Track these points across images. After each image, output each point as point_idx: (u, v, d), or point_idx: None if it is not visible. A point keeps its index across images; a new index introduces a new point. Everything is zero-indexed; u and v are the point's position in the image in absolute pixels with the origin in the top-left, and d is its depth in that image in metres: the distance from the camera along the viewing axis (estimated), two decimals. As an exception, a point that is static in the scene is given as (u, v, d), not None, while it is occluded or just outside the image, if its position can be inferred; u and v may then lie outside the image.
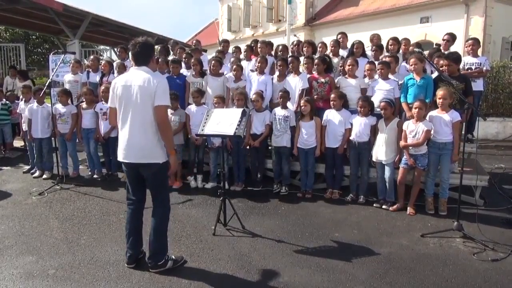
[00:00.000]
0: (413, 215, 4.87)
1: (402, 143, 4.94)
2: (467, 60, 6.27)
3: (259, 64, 6.20)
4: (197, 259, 3.74)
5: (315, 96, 5.89)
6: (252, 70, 6.68)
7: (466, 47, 6.47)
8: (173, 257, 3.60)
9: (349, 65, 5.73)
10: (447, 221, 4.57)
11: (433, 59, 5.64)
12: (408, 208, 4.96)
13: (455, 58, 5.23)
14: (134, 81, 3.27)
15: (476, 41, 6.48)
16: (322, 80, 5.88)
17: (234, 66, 6.34)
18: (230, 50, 8.00)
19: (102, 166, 6.74)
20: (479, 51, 6.66)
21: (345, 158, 5.53)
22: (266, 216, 4.92)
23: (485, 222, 4.53)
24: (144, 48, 3.33)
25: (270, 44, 7.54)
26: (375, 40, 6.95)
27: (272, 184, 5.90)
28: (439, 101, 4.75)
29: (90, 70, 7.54)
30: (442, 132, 4.77)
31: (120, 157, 3.42)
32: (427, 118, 4.87)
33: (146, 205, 3.66)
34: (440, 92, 4.74)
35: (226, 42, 8.18)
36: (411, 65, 5.17)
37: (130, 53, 3.46)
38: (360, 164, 5.38)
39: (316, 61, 5.97)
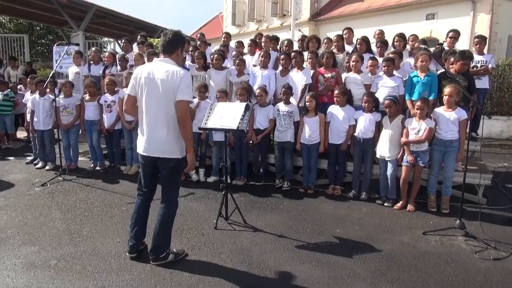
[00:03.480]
0: (413, 212, 4.86)
1: (403, 139, 4.92)
2: (472, 58, 6.23)
3: (262, 59, 6.17)
4: (198, 253, 3.74)
5: (322, 90, 5.86)
6: (254, 65, 6.66)
7: (475, 44, 6.45)
8: (175, 250, 3.61)
9: (353, 61, 5.69)
10: (449, 219, 4.56)
11: (444, 56, 5.59)
12: (408, 204, 4.95)
13: (470, 56, 5.21)
14: (157, 73, 3.22)
15: (483, 38, 6.44)
16: (328, 74, 5.85)
17: (237, 61, 6.31)
18: (232, 44, 7.95)
19: (105, 158, 6.76)
20: (485, 49, 6.62)
21: (348, 155, 5.52)
22: (268, 210, 4.92)
23: (487, 221, 4.51)
24: (176, 36, 3.30)
25: (274, 39, 7.49)
26: (379, 35, 6.91)
27: (274, 179, 5.89)
28: (445, 98, 4.72)
29: (92, 62, 7.53)
30: (448, 129, 4.74)
31: (140, 150, 3.41)
32: (432, 115, 4.85)
33: (154, 197, 3.66)
34: (447, 89, 4.71)
35: (227, 35, 8.12)
36: (421, 62, 5.12)
37: (160, 43, 3.41)
38: (363, 160, 5.36)
39: (326, 55, 5.91)
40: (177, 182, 3.59)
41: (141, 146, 3.39)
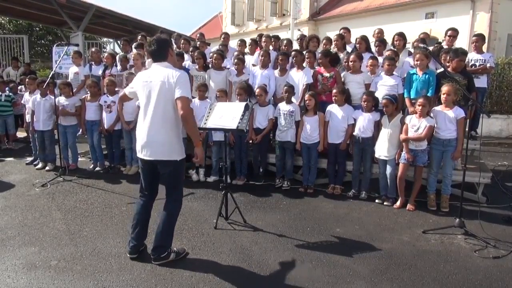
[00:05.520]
0: (412, 211, 4.87)
1: (402, 136, 4.91)
2: (471, 57, 6.24)
3: (262, 58, 6.17)
4: (199, 252, 3.75)
5: (320, 89, 5.86)
6: (254, 65, 6.66)
7: (472, 43, 6.44)
8: (176, 249, 3.62)
9: (351, 61, 5.70)
10: (449, 218, 4.57)
11: (441, 55, 5.59)
12: (408, 204, 4.96)
13: (463, 52, 5.24)
14: (156, 77, 3.28)
15: (481, 37, 6.42)
16: (327, 74, 5.85)
17: (236, 60, 6.31)
18: (234, 44, 7.96)
19: (105, 158, 6.76)
20: (484, 48, 6.61)
21: (348, 154, 5.52)
22: (268, 210, 4.92)
23: (487, 220, 4.51)
24: (160, 44, 3.34)
25: (275, 38, 7.49)
26: (378, 35, 6.90)
27: (274, 179, 5.90)
28: (443, 97, 4.73)
29: (93, 63, 7.54)
30: (446, 128, 4.75)
31: (139, 154, 3.45)
32: (431, 114, 4.85)
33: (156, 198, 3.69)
34: (444, 88, 4.71)
35: (226, 35, 8.13)
36: (417, 61, 5.14)
37: (147, 52, 3.50)
38: (363, 160, 5.36)
39: (319, 55, 5.92)
40: (180, 183, 3.60)
41: (140, 150, 3.42)
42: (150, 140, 3.33)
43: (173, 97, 3.21)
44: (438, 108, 4.86)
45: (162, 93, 3.24)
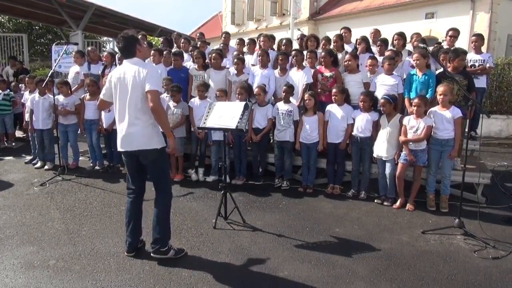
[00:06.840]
0: (412, 211, 4.86)
1: (402, 138, 4.91)
2: (470, 57, 6.23)
3: (261, 58, 6.15)
4: (197, 252, 3.74)
5: (318, 90, 5.85)
6: (253, 65, 6.64)
7: (471, 43, 6.43)
8: (176, 248, 3.63)
9: (347, 60, 5.69)
10: (448, 218, 4.56)
11: (440, 55, 5.59)
12: (408, 204, 4.95)
13: (463, 51, 5.24)
14: (127, 72, 3.37)
15: (480, 37, 6.40)
16: (327, 74, 5.83)
17: (235, 60, 6.29)
18: (234, 44, 7.94)
19: (104, 157, 6.75)
20: (483, 48, 6.60)
21: (347, 154, 5.51)
22: (267, 210, 4.91)
23: (486, 220, 4.51)
24: (126, 41, 3.41)
25: (272, 38, 7.48)
26: (374, 35, 6.89)
27: (274, 179, 5.89)
28: (439, 97, 4.72)
29: (91, 61, 7.53)
30: (444, 128, 4.74)
31: (119, 147, 3.50)
32: (429, 114, 4.84)
33: (147, 197, 3.69)
34: (440, 89, 4.71)
35: (227, 34, 8.12)
36: (414, 60, 5.14)
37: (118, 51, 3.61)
38: (361, 159, 5.35)
39: (322, 54, 5.90)
40: (165, 174, 3.65)
41: (120, 143, 3.49)
42: (128, 132, 3.40)
43: (143, 91, 3.30)
44: (435, 108, 4.85)
45: (134, 88, 3.33)
